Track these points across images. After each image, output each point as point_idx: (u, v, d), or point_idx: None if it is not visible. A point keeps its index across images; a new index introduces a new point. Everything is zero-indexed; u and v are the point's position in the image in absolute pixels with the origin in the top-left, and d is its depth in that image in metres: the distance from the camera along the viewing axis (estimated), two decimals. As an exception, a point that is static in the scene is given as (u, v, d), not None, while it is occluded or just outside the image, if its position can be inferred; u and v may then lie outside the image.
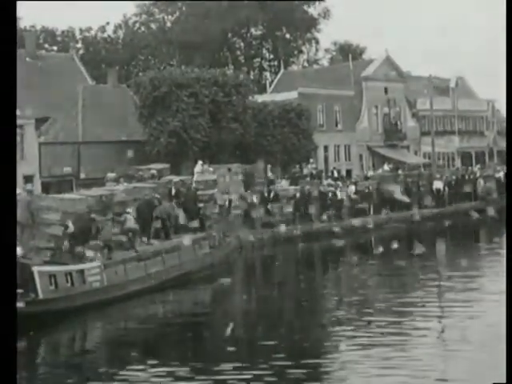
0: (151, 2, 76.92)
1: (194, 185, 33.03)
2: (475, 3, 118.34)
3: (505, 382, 8.82)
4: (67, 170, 41.67)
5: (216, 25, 69.83)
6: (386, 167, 50.55)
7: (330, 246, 35.62)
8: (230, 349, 16.32)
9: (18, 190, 20.38)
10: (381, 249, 34.44)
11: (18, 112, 32.79)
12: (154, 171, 33.09)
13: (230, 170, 37.75)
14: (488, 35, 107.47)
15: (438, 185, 45.34)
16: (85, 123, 43.62)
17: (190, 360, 15.50)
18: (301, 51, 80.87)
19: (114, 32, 74.39)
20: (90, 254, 22.72)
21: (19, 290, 18.43)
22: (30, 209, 22.27)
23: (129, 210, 25.86)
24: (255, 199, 36.24)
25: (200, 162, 37.64)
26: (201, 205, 31.43)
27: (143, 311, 21.61)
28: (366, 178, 45.76)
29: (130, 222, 25.19)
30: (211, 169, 37.12)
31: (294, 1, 74.82)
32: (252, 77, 71.21)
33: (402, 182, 44.23)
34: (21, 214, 20.76)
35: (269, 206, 36.59)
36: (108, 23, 73.14)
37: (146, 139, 42.62)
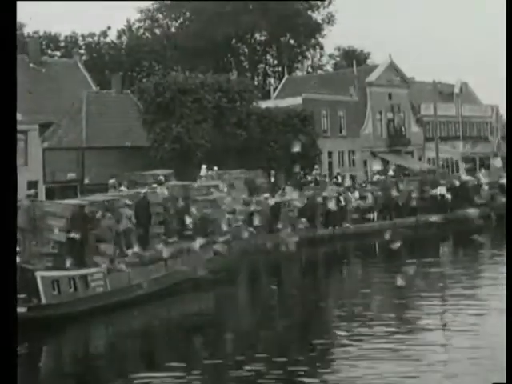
0: (155, 7, 77.06)
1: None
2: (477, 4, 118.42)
3: (505, 382, 8.77)
4: (71, 175, 41.65)
5: (220, 30, 69.88)
6: (391, 172, 50.48)
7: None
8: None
9: (20, 196, 20.40)
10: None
11: (21, 117, 32.96)
12: (161, 177, 33.03)
13: (231, 174, 37.72)
14: (490, 37, 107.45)
15: (442, 190, 45.28)
16: (89, 129, 43.64)
17: (195, 367, 15.43)
18: (305, 57, 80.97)
19: (118, 37, 74.56)
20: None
21: (22, 295, 18.45)
22: (31, 214, 22.25)
23: (127, 201, 25.65)
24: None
25: (204, 167, 37.62)
26: (205, 210, 31.36)
27: (147, 316, 21.54)
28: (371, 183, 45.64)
29: (125, 219, 24.95)
30: (215, 172, 37.06)
31: (299, 0, 74.84)
32: (256, 82, 71.36)
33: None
34: (22, 219, 20.75)
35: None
36: (110, 28, 73.30)
37: (149, 145, 42.61)
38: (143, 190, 28.02)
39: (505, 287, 12.19)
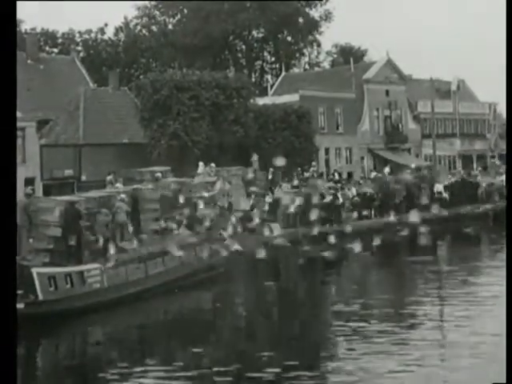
0: (153, 4, 77.03)
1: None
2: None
3: (505, 382, 8.82)
4: (68, 172, 41.60)
5: (217, 27, 69.84)
6: (388, 169, 50.49)
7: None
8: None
9: (19, 193, 20.38)
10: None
11: (19, 114, 32.89)
12: (159, 174, 33.02)
13: (229, 171, 37.73)
14: (489, 36, 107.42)
15: (439, 188, 45.31)
16: (86, 126, 43.64)
17: (191, 361, 15.48)
18: (302, 54, 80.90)
19: (115, 34, 74.51)
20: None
21: (19, 292, 18.47)
22: (28, 211, 22.25)
23: (123, 196, 25.58)
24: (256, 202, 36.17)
25: (201, 163, 37.60)
26: (201, 207, 31.34)
27: (144, 312, 21.57)
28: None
29: (122, 213, 24.85)
30: (213, 170, 37.05)
31: (296, 0, 74.80)
32: (253, 79, 71.30)
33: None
34: (18, 216, 20.74)
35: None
36: (106, 25, 73.28)
37: (147, 142, 42.61)
38: (135, 187, 27.96)
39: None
